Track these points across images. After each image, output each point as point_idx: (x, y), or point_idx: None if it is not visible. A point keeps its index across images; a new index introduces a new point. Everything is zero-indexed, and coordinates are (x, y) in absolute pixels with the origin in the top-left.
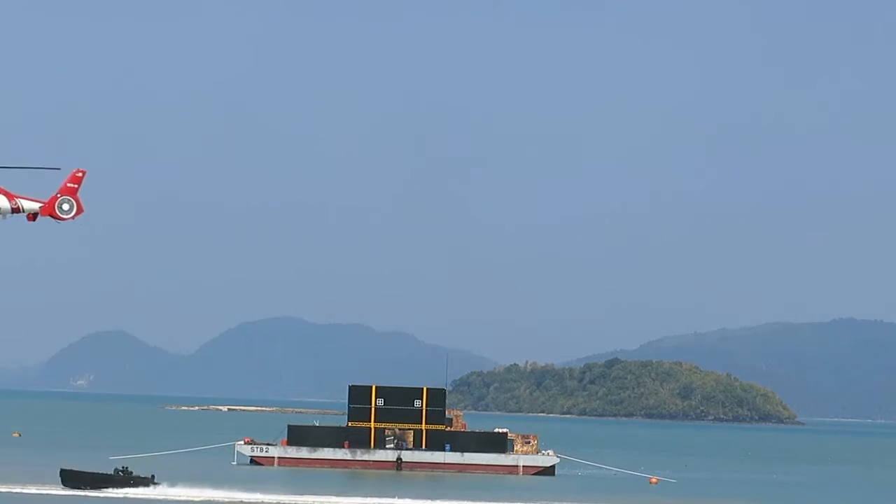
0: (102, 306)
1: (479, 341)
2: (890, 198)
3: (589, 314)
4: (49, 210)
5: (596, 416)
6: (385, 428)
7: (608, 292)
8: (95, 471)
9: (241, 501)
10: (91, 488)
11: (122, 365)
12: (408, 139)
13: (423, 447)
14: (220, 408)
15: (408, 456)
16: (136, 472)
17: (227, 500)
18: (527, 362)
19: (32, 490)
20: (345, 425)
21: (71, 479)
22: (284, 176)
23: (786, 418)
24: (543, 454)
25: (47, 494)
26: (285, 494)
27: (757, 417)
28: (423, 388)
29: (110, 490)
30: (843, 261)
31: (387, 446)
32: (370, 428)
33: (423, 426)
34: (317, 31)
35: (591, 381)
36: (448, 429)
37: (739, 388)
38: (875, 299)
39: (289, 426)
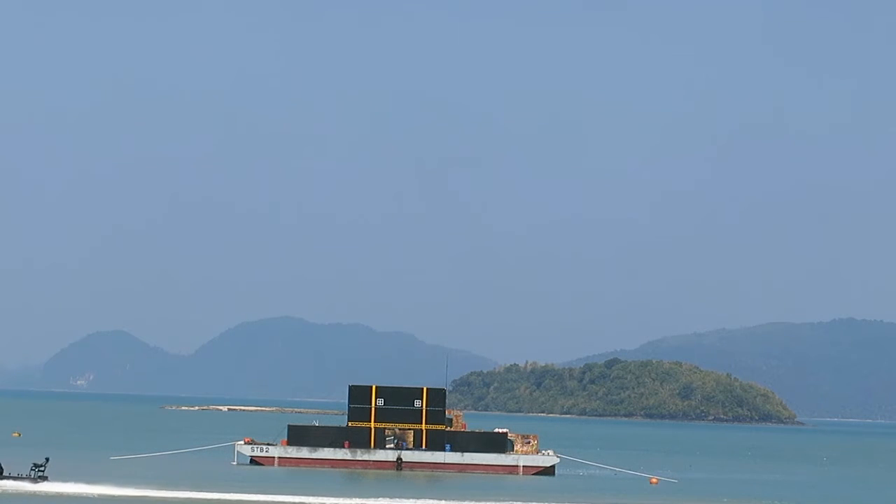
0: (102, 306)
1: (479, 341)
2: (890, 198)
3: (589, 314)
4: None
5: (596, 416)
6: (385, 428)
7: (608, 292)
8: None
9: (242, 501)
10: None
11: (122, 365)
12: (408, 139)
13: (423, 447)
14: (220, 408)
15: (408, 456)
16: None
17: (227, 500)
18: (527, 362)
19: (32, 489)
20: (345, 425)
21: None
22: (284, 177)
23: (786, 418)
24: (543, 454)
25: (47, 494)
26: (285, 494)
27: (757, 417)
28: (423, 388)
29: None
30: (843, 261)
31: (387, 446)
32: (370, 428)
33: (423, 426)
34: (318, 33)
35: (591, 381)
36: (448, 429)
37: (739, 388)
38: (875, 299)
39: (289, 426)
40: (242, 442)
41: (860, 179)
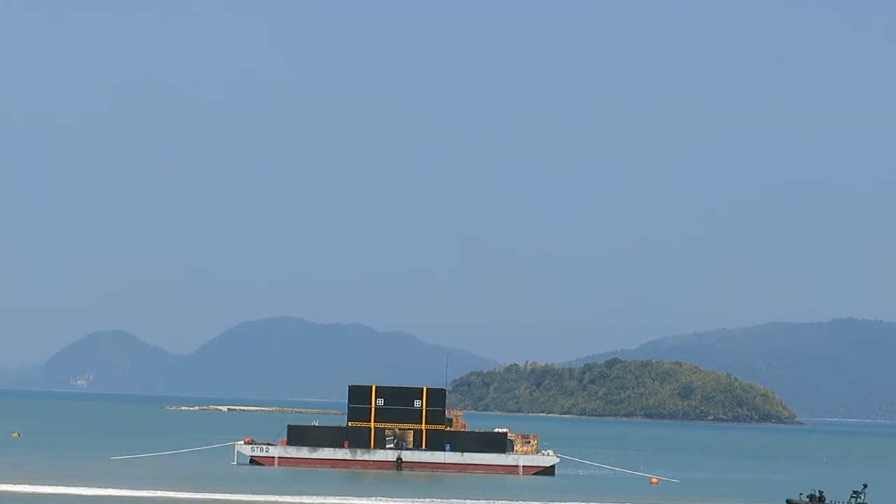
0: (102, 306)
1: (479, 341)
2: (890, 198)
3: (589, 314)
4: None
5: (596, 416)
6: (385, 428)
7: (608, 292)
8: None
9: (242, 501)
10: None
11: (122, 365)
12: (407, 140)
13: (423, 447)
14: (220, 408)
15: (408, 456)
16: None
17: (227, 500)
18: (527, 362)
19: (32, 490)
20: (345, 425)
21: None
22: (284, 177)
23: (786, 418)
24: (543, 454)
25: (47, 494)
26: (285, 494)
27: (757, 417)
28: (423, 388)
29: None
30: (842, 261)
31: (387, 446)
32: (370, 428)
33: (423, 426)
34: (318, 33)
35: (591, 381)
36: (448, 429)
37: (739, 388)
38: (875, 299)
39: (289, 426)
40: (242, 442)
41: (860, 179)
